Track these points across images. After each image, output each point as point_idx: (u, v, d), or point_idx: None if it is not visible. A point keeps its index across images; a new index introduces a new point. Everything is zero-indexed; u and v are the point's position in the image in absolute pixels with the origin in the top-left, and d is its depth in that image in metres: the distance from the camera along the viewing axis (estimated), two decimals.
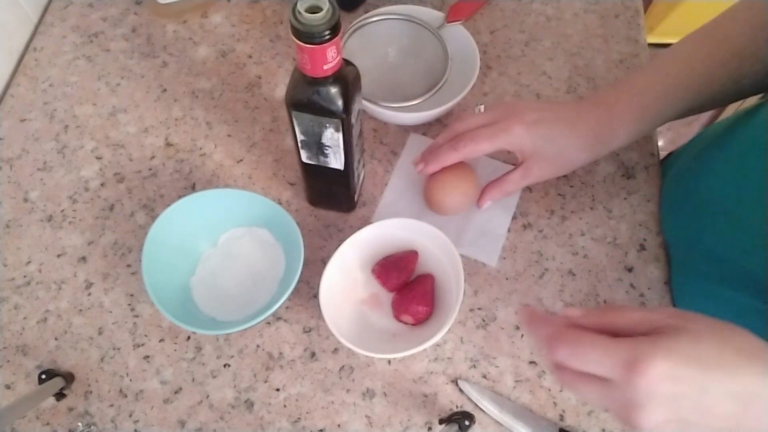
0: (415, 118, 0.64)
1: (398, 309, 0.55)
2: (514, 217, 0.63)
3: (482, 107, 0.63)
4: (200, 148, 0.66)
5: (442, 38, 0.66)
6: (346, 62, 0.47)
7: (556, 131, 0.55)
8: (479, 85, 0.70)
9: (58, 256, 0.61)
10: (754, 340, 0.35)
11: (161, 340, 0.57)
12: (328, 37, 0.41)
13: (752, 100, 0.59)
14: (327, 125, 0.48)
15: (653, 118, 0.56)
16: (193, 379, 0.56)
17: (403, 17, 0.67)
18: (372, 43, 0.68)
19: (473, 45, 0.66)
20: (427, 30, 0.67)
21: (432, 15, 0.68)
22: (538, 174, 0.57)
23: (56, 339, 0.57)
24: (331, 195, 0.61)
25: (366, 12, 0.68)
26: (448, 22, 0.67)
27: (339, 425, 0.54)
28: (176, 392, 0.55)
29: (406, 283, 0.57)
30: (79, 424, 0.54)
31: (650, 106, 0.55)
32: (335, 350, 0.57)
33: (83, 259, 0.61)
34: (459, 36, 0.67)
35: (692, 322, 0.36)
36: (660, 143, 0.70)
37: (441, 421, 0.53)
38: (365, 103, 0.61)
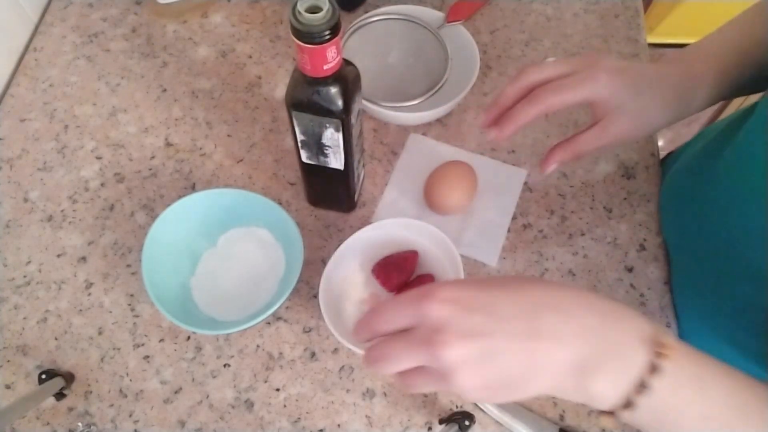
0: (415, 118, 0.64)
1: None
2: (514, 217, 0.63)
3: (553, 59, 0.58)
4: (200, 148, 0.66)
5: (442, 38, 0.66)
6: (346, 62, 0.47)
7: (641, 84, 0.50)
8: (479, 85, 0.70)
9: (58, 256, 0.61)
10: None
11: (161, 340, 0.57)
12: (328, 37, 0.41)
13: (753, 99, 0.59)
14: (327, 125, 0.48)
15: (729, 84, 0.53)
16: (193, 379, 0.56)
17: (403, 17, 0.68)
18: (372, 43, 0.68)
19: (473, 45, 0.66)
20: (427, 30, 0.67)
21: (432, 15, 0.68)
22: (616, 132, 0.51)
23: (56, 339, 0.57)
24: (331, 195, 0.61)
25: (366, 12, 0.68)
26: (448, 22, 0.67)
27: (339, 425, 0.54)
28: (176, 392, 0.55)
29: (406, 283, 0.57)
30: (79, 424, 0.54)
31: (727, 71, 0.53)
32: (335, 350, 0.57)
33: (83, 259, 0.61)
34: (459, 36, 0.67)
35: None
36: (660, 143, 0.70)
37: (441, 421, 0.53)
38: (365, 103, 0.61)
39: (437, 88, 0.64)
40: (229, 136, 0.67)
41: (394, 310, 0.38)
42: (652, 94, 0.51)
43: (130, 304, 0.59)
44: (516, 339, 0.35)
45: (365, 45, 0.67)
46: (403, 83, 0.68)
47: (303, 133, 0.51)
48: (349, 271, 0.57)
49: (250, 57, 0.72)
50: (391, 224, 0.56)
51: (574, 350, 0.35)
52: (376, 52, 0.69)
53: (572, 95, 0.49)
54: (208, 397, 0.55)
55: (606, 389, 0.35)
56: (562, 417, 0.54)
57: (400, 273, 0.56)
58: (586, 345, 0.35)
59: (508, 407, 0.54)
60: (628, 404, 0.34)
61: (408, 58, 0.70)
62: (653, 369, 0.34)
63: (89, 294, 0.59)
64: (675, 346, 0.35)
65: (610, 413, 0.35)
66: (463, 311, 0.35)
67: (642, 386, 0.34)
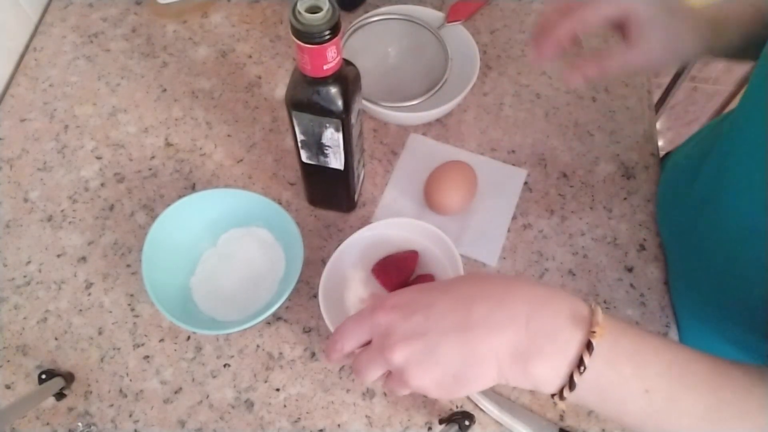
0: (416, 118, 0.64)
1: None
2: (514, 217, 0.63)
3: None
4: (200, 148, 0.66)
5: (442, 38, 0.66)
6: (346, 62, 0.47)
7: (675, 5, 0.50)
8: (479, 85, 0.70)
9: (58, 256, 0.61)
10: None
11: (161, 340, 0.57)
12: (328, 37, 0.41)
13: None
14: (327, 125, 0.48)
15: (763, 24, 0.52)
16: (193, 379, 0.56)
17: (403, 17, 0.68)
18: (372, 43, 0.68)
19: (473, 45, 0.66)
20: (427, 30, 0.67)
21: (432, 15, 0.68)
22: (646, 50, 0.50)
23: (56, 339, 0.57)
24: (331, 195, 0.61)
25: (366, 12, 0.68)
26: (448, 22, 0.67)
27: (339, 425, 0.54)
28: (176, 392, 0.55)
29: (406, 283, 0.57)
30: (79, 424, 0.54)
31: (761, 12, 0.51)
32: None
33: (83, 259, 0.61)
34: (459, 36, 0.67)
35: None
36: (660, 143, 0.70)
37: (441, 421, 0.53)
38: (365, 103, 0.61)
39: (437, 88, 0.64)
40: (229, 136, 0.67)
41: (353, 327, 0.41)
42: (686, 17, 0.50)
43: (130, 304, 0.59)
44: (450, 332, 0.37)
45: (365, 45, 0.67)
46: (404, 83, 0.68)
47: (303, 133, 0.51)
48: (349, 271, 0.57)
49: (250, 57, 0.72)
50: (390, 224, 0.56)
51: (507, 336, 0.36)
52: (377, 52, 0.69)
53: (607, 7, 0.49)
54: (208, 397, 0.55)
55: (546, 372, 0.36)
56: (562, 417, 0.54)
57: (399, 273, 0.56)
58: (518, 331, 0.36)
59: (508, 407, 0.54)
60: (570, 385, 0.36)
61: (408, 58, 0.70)
62: (589, 347, 0.35)
63: (89, 294, 0.59)
64: (607, 323, 0.36)
65: (560, 396, 0.37)
66: (405, 315, 0.39)
67: (579, 365, 0.35)
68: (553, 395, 0.37)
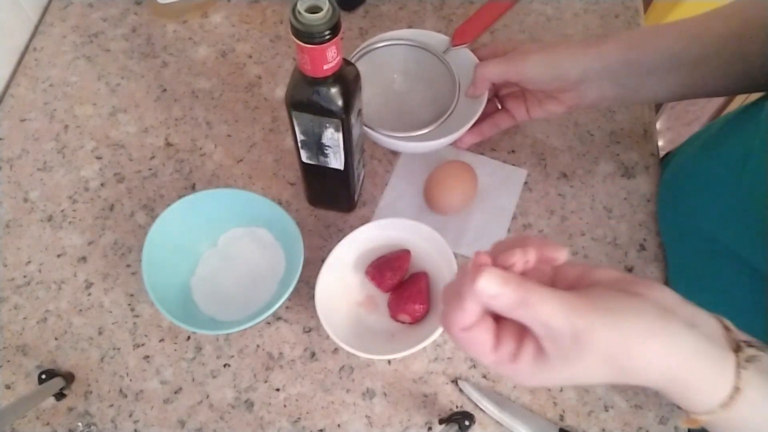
0: (424, 147, 0.60)
1: (395, 309, 0.55)
2: (514, 217, 0.63)
3: None
4: (200, 148, 0.67)
5: (448, 63, 0.62)
6: (346, 62, 0.47)
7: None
8: None
9: (58, 256, 0.61)
10: None
11: (161, 340, 0.57)
12: (328, 37, 0.41)
13: (753, 98, 0.59)
14: (327, 125, 0.48)
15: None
16: (193, 379, 0.56)
17: (407, 42, 0.63)
18: (377, 70, 0.64)
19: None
20: (433, 56, 0.63)
21: (437, 38, 0.64)
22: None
23: (56, 339, 0.57)
24: (331, 195, 0.61)
25: (366, 13, 0.68)
26: (454, 45, 0.63)
27: (339, 425, 0.54)
28: (176, 392, 0.55)
29: (400, 283, 0.57)
30: (79, 424, 0.54)
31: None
32: (335, 350, 0.57)
33: (83, 259, 0.61)
34: (465, 59, 0.63)
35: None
36: (660, 143, 0.70)
37: (441, 421, 0.53)
38: (372, 133, 0.58)
39: (444, 117, 0.59)
40: (229, 136, 0.67)
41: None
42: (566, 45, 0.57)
43: (130, 304, 0.59)
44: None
45: (370, 72, 0.62)
46: (411, 110, 0.65)
47: (303, 133, 0.51)
48: (344, 275, 0.57)
49: (250, 57, 0.72)
50: (380, 225, 0.56)
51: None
52: (382, 79, 0.65)
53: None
54: (208, 397, 0.55)
55: (703, 401, 0.36)
56: (562, 417, 0.54)
57: (393, 273, 0.56)
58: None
59: (508, 407, 0.54)
60: (724, 405, 0.35)
61: (415, 84, 0.66)
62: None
63: (89, 294, 0.59)
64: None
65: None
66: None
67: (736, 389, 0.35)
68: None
